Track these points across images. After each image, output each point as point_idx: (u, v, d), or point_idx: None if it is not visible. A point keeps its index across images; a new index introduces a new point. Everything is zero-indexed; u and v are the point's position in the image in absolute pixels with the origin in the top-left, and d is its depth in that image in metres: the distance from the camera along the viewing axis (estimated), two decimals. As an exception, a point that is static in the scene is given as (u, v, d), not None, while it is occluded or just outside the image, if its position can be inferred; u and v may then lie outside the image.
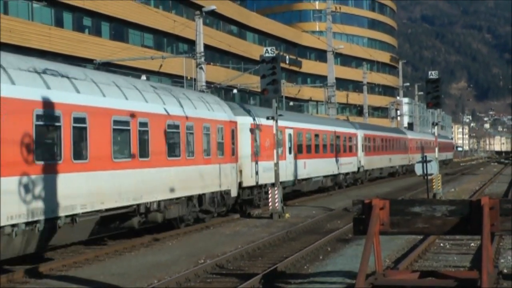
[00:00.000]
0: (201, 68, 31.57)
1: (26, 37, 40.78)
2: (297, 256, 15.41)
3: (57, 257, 16.14)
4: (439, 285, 9.44)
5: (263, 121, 26.57)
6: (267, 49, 24.11)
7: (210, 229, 21.92)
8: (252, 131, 26.23)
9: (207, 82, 32.88)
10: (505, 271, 12.86)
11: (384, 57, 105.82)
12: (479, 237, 9.28)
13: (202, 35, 32.06)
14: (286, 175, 29.71)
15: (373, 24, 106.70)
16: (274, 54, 23.90)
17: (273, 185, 25.58)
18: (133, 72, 48.16)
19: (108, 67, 41.93)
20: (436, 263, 14.66)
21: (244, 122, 26.05)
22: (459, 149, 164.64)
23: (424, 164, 24.72)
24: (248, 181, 25.94)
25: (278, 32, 79.57)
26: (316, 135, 34.79)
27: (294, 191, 32.45)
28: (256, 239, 18.99)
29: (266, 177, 27.00)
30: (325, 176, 36.15)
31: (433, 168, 25.05)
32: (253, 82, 46.83)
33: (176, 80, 51.17)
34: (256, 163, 26.41)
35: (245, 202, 26.33)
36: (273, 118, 25.29)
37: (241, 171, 25.28)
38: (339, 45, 59.24)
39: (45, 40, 42.47)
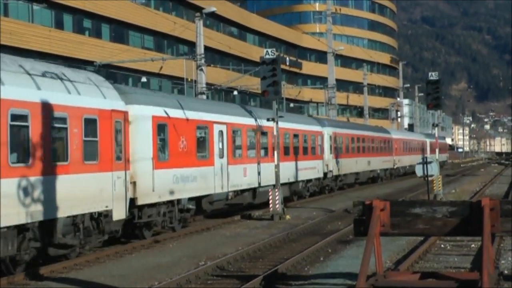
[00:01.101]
0: (201, 69, 31.59)
1: (26, 39, 40.81)
2: (298, 257, 15.41)
3: (58, 259, 16.13)
4: (439, 286, 9.44)
5: (178, 114, 20.56)
6: (267, 51, 24.13)
7: (211, 230, 21.92)
8: (159, 126, 19.54)
9: (207, 84, 32.91)
10: (505, 272, 12.86)
11: (384, 58, 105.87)
12: (480, 238, 9.28)
13: (202, 37, 32.08)
14: (215, 186, 22.70)
15: (373, 26, 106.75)
16: (275, 56, 23.92)
17: (274, 186, 25.60)
18: (133, 74, 48.27)
19: (108, 68, 42.01)
20: (437, 264, 14.66)
21: (142, 113, 18.80)
22: (460, 150, 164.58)
23: (425, 166, 24.72)
24: (147, 197, 18.66)
25: (278, 33, 79.61)
26: (264, 134, 27.25)
27: (231, 206, 25.73)
28: (256, 240, 18.99)
29: (183, 189, 20.43)
30: (285, 184, 29.28)
31: (434, 169, 25.04)
32: (253, 83, 46.85)
33: (176, 82, 51.23)
34: (165, 170, 19.59)
35: (146, 225, 19.25)
36: (273, 119, 25.31)
37: (134, 183, 18.11)
38: (339, 47, 59.33)
39: (45, 42, 42.50)
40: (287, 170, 29.41)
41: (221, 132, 23.55)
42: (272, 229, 22.04)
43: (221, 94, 61.41)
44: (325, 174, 35.69)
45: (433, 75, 29.86)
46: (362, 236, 9.80)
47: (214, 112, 23.58)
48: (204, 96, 31.86)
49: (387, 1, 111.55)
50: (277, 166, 25.48)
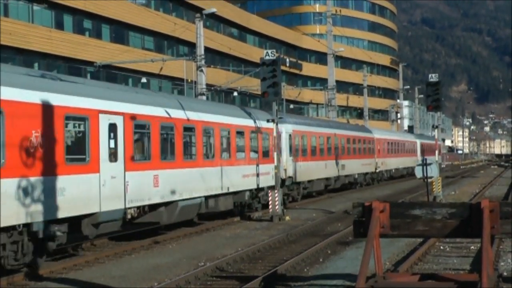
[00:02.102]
0: (201, 70, 31.60)
1: (27, 39, 40.82)
2: (297, 258, 15.42)
3: (57, 259, 16.14)
4: (439, 287, 9.44)
5: (25, 96, 13.86)
6: (267, 52, 24.14)
7: (211, 231, 21.92)
8: None
9: (207, 85, 32.92)
10: (505, 274, 12.86)
11: (384, 59, 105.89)
12: (479, 240, 9.29)
13: (202, 38, 32.10)
14: (101, 202, 16.03)
15: (374, 27, 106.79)
16: (275, 57, 23.93)
17: (272, 187, 25.61)
18: (134, 74, 48.28)
19: (108, 69, 42.04)
20: (436, 265, 14.66)
21: None
22: (459, 152, 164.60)
23: (424, 167, 24.73)
24: None
25: (278, 34, 79.64)
26: (188, 130, 20.87)
27: (134, 224, 18.97)
28: (256, 241, 19.00)
29: (35, 208, 13.78)
30: (211, 197, 22.21)
31: (433, 171, 25.06)
32: (253, 84, 46.88)
33: (176, 82, 51.25)
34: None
35: None
36: (273, 121, 25.32)
37: None
38: (339, 48, 59.31)
39: (45, 42, 42.51)
40: (228, 177, 23.34)
41: (112, 126, 16.80)
42: (272, 230, 22.05)
43: (221, 95, 61.43)
44: (283, 180, 29.00)
45: (433, 77, 29.88)
46: (362, 237, 9.81)
47: (101, 97, 16.61)
48: (204, 97, 31.86)
49: (387, 2, 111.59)
50: (277, 167, 25.48)
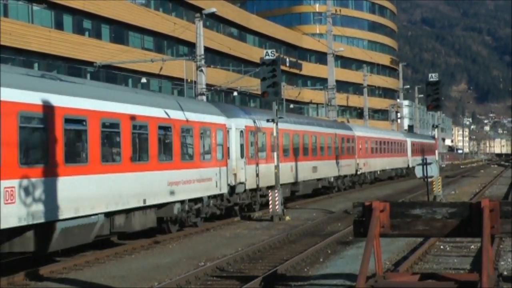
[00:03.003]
0: (201, 70, 31.59)
1: (26, 39, 40.81)
2: (298, 258, 15.42)
3: (58, 259, 16.13)
4: (439, 287, 9.44)
5: None
6: (267, 52, 24.15)
7: (211, 231, 21.92)
8: None
9: (207, 85, 32.90)
10: (505, 273, 12.86)
11: (384, 59, 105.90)
12: (479, 239, 9.28)
13: (202, 38, 32.09)
14: None
15: (374, 27, 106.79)
16: (274, 57, 23.93)
17: (273, 187, 25.60)
18: (133, 75, 48.26)
19: (108, 69, 42.04)
20: (436, 265, 14.66)
21: None
22: (459, 151, 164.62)
23: (424, 167, 24.72)
24: None
25: (278, 34, 79.63)
26: (75, 122, 15.67)
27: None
28: (256, 241, 19.00)
29: None
30: (118, 213, 17.19)
31: (433, 171, 25.05)
32: (253, 84, 46.85)
33: (176, 82, 51.25)
34: None
35: None
36: (273, 120, 25.32)
37: None
38: (339, 48, 59.32)
39: (45, 42, 42.50)
40: (145, 186, 18.31)
41: None
42: (272, 230, 22.05)
43: (221, 95, 61.42)
44: (232, 188, 24.46)
45: (433, 76, 29.87)
46: (362, 237, 9.80)
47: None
48: (204, 97, 31.86)
49: (387, 2, 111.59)
50: (276, 167, 25.47)
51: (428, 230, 9.65)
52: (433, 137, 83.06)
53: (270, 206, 24.93)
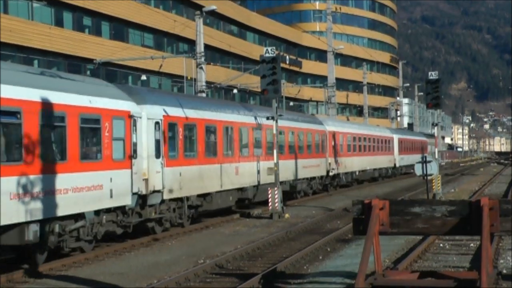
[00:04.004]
0: (201, 68, 31.58)
1: (26, 36, 40.78)
2: (297, 256, 15.42)
3: (57, 256, 16.13)
4: (438, 285, 9.45)
5: None
6: (267, 49, 24.13)
7: (210, 229, 21.92)
8: None
9: (207, 82, 32.89)
10: (504, 271, 12.86)
11: (384, 57, 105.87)
12: (479, 237, 9.29)
13: (202, 35, 32.07)
14: None
15: (373, 25, 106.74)
16: (274, 54, 23.92)
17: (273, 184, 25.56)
18: (133, 72, 48.26)
19: (108, 66, 42.02)
20: (436, 263, 14.66)
21: None
22: (459, 149, 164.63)
23: (424, 165, 24.73)
24: None
25: (278, 32, 79.59)
26: None
27: None
28: (255, 239, 19.00)
29: None
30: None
31: (433, 169, 25.06)
32: (253, 82, 46.83)
33: (176, 80, 51.23)
34: None
35: None
36: (273, 118, 25.31)
37: None
38: (339, 46, 59.28)
39: (45, 39, 42.47)
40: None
41: None
42: (271, 227, 22.05)
43: (221, 93, 61.40)
44: (143, 197, 18.61)
45: (433, 75, 29.86)
46: (361, 235, 9.80)
47: None
48: (204, 95, 31.85)
49: (387, 0, 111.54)
50: (276, 165, 25.46)
51: (428, 228, 9.65)
52: (425, 134, 76.36)
53: (270, 204, 24.93)
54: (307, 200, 33.03)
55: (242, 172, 25.28)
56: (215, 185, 22.93)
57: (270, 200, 24.94)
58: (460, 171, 71.01)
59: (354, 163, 41.78)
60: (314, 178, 34.56)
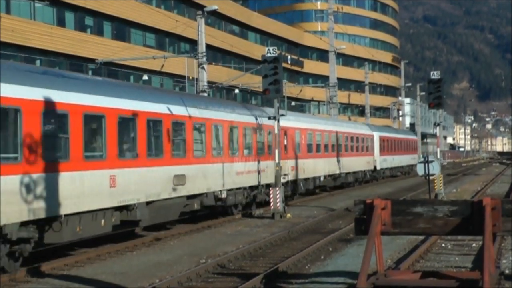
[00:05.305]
0: (202, 68, 31.58)
1: (28, 36, 40.82)
2: (299, 256, 15.41)
3: (59, 256, 16.15)
4: (440, 285, 9.44)
5: None
6: (269, 49, 24.12)
7: (212, 228, 21.92)
8: None
9: (209, 82, 32.88)
10: (506, 271, 12.85)
11: (386, 57, 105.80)
12: (481, 237, 9.28)
13: (204, 35, 32.06)
14: None
15: (375, 24, 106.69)
16: (276, 54, 23.90)
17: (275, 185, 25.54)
18: (135, 72, 48.28)
19: (110, 66, 42.04)
20: (438, 263, 14.65)
21: None
22: (461, 149, 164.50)
23: (426, 165, 24.72)
24: None
25: (280, 32, 79.59)
26: None
27: None
28: (257, 239, 19.00)
29: None
30: None
31: (435, 169, 25.04)
32: (255, 82, 46.83)
33: (178, 79, 51.25)
34: None
35: None
36: (274, 118, 25.30)
37: None
38: (341, 45, 59.23)
39: (47, 39, 42.51)
40: None
41: None
42: (273, 227, 22.05)
43: (222, 92, 61.41)
44: None
45: (435, 74, 29.82)
46: (363, 235, 9.80)
47: None
48: (206, 94, 31.83)
49: (389, 0, 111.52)
50: (277, 164, 25.46)
51: (430, 228, 9.65)
52: (415, 132, 69.02)
53: (271, 204, 24.93)
54: (308, 200, 33.02)
55: (141, 179, 17.86)
56: (101, 198, 16.15)
57: (272, 200, 24.95)
58: (462, 171, 70.95)
59: (318, 167, 33.99)
60: (256, 187, 26.13)
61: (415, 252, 15.53)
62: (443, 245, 17.30)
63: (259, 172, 26.22)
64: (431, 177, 25.58)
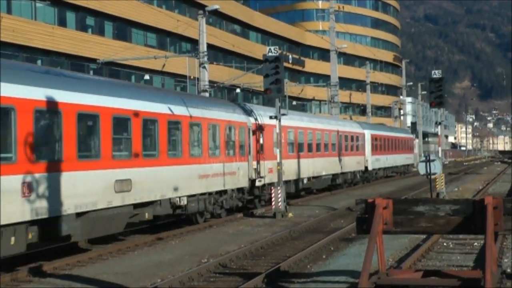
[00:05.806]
0: (204, 67, 31.57)
1: (29, 36, 40.84)
2: (300, 255, 15.41)
3: (61, 256, 16.15)
4: (442, 284, 9.43)
5: None
6: (270, 49, 24.10)
7: (213, 228, 21.92)
8: None
9: (210, 82, 32.88)
10: (508, 270, 12.84)
11: (387, 56, 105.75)
12: (483, 236, 9.28)
13: (205, 35, 32.05)
14: None
15: (377, 24, 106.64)
16: (277, 54, 23.89)
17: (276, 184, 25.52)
18: (136, 71, 48.29)
19: (111, 66, 42.07)
20: (440, 262, 14.64)
21: None
22: (462, 148, 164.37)
23: (428, 163, 24.71)
24: None
25: (281, 31, 79.57)
26: None
27: None
28: (259, 238, 19.00)
29: None
30: None
31: (437, 168, 25.03)
32: (256, 81, 46.83)
33: (179, 79, 51.26)
34: None
35: None
36: (276, 117, 25.28)
37: None
38: (342, 45, 59.21)
39: (48, 39, 42.53)
40: None
41: None
42: (275, 227, 22.04)
43: (224, 92, 61.42)
44: None
45: (436, 73, 29.78)
46: (365, 234, 9.80)
47: None
48: (207, 94, 31.84)
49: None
50: (279, 164, 25.43)
51: (431, 227, 9.64)
52: (411, 131, 65.22)
53: (273, 203, 24.93)
54: (310, 200, 33.01)
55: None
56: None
57: (273, 199, 24.94)
58: (464, 170, 70.89)
59: (302, 168, 31.39)
60: (225, 192, 23.37)
61: (416, 251, 15.51)
62: (444, 244, 17.29)
63: (228, 174, 23.06)
64: (432, 176, 25.56)
